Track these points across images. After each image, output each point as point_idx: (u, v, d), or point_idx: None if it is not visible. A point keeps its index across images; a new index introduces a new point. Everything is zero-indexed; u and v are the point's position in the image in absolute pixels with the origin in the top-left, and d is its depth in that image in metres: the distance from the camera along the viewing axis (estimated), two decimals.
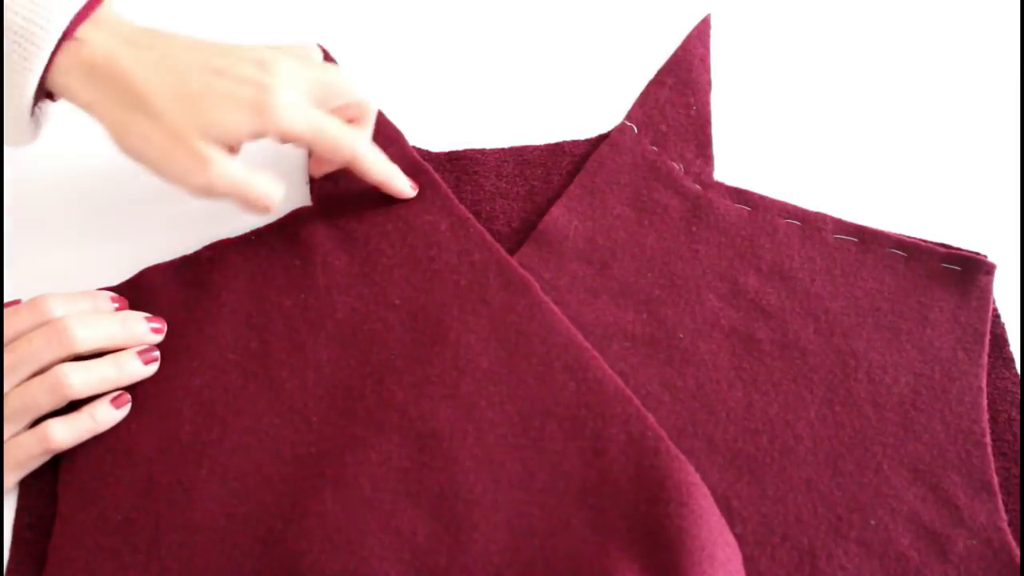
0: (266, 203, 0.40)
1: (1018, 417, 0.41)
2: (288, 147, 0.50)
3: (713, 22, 0.53)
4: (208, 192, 0.39)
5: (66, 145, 0.50)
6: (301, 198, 0.47)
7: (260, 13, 0.55)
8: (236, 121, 0.38)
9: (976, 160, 0.49)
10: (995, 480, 0.39)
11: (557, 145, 0.49)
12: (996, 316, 0.43)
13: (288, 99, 0.38)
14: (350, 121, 0.43)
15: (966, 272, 0.43)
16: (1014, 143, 0.50)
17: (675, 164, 0.47)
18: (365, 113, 0.43)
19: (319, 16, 0.55)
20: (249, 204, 0.40)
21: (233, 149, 0.40)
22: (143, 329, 0.41)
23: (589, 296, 0.43)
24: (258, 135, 0.39)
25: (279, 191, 0.41)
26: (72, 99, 0.39)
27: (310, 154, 0.47)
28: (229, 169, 0.38)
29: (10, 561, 0.38)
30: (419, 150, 0.48)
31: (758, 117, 0.51)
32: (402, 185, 0.45)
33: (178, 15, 0.55)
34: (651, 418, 0.39)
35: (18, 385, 0.38)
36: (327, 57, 0.52)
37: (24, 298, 0.41)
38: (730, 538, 0.37)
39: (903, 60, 0.53)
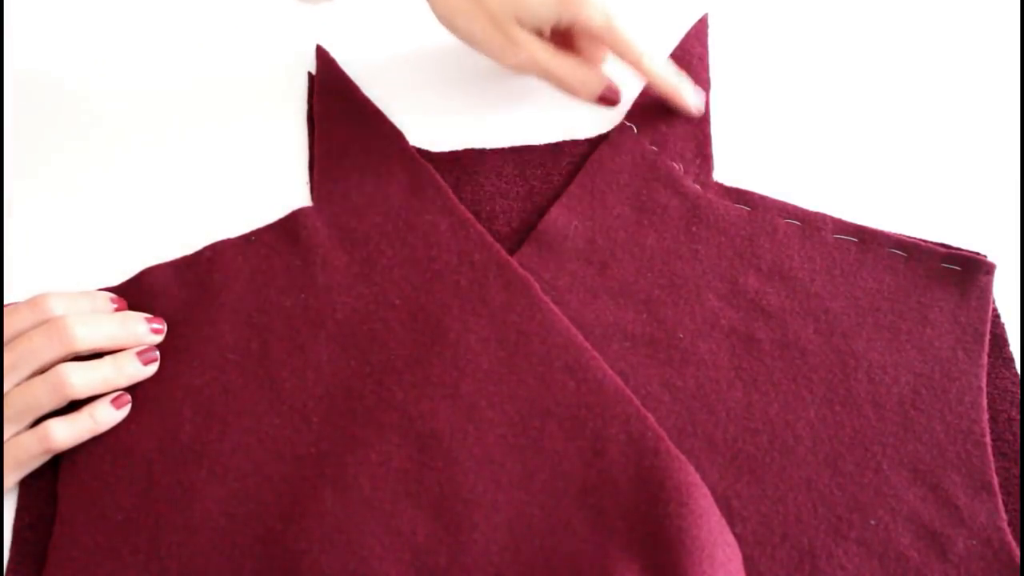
0: (576, 90, 0.46)
1: (1018, 417, 0.41)
2: (289, 148, 0.50)
3: (711, 22, 0.53)
4: (520, 71, 0.46)
5: (66, 145, 0.50)
6: (301, 198, 0.47)
7: (261, 12, 0.55)
8: (543, 7, 0.43)
9: (976, 160, 0.49)
10: (995, 480, 0.39)
11: (557, 145, 0.49)
12: (996, 316, 0.43)
13: None
14: None
15: (966, 272, 0.43)
16: (1014, 143, 0.50)
17: (675, 164, 0.47)
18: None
19: (320, 16, 0.55)
20: (562, 88, 0.46)
21: (543, 35, 0.46)
22: (143, 330, 0.42)
23: (589, 296, 0.43)
24: (558, 22, 0.44)
25: (594, 85, 0.46)
26: None
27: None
28: (538, 54, 0.45)
29: (10, 561, 0.38)
30: (419, 150, 0.48)
31: (757, 117, 0.51)
32: (689, 98, 0.48)
33: (177, 13, 0.55)
34: (651, 418, 0.39)
35: (19, 384, 0.38)
36: (325, 59, 0.52)
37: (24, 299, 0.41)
38: (730, 538, 0.37)
39: (903, 59, 0.53)
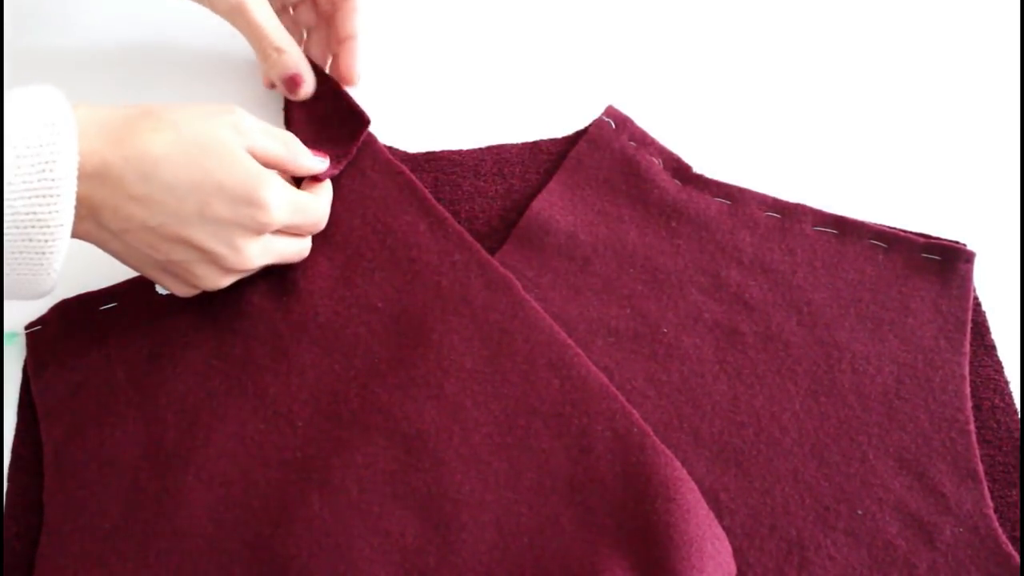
0: (269, 58, 0.48)
1: (1001, 404, 0.41)
2: None
3: (689, 17, 0.53)
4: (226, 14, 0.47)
5: None
6: None
7: None
8: None
9: (955, 149, 0.49)
10: (980, 468, 0.39)
11: (535, 143, 0.49)
12: (977, 304, 0.44)
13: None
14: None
15: (946, 261, 0.44)
16: (994, 132, 0.50)
17: (654, 159, 0.47)
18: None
19: None
20: (257, 48, 0.47)
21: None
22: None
23: (572, 293, 0.44)
24: None
25: (287, 61, 0.47)
26: None
27: None
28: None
29: None
30: (396, 151, 0.48)
31: (738, 109, 0.51)
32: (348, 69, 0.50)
33: (177, 15, 0.55)
34: (636, 414, 0.39)
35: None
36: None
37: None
38: (719, 531, 0.37)
39: (884, 51, 0.53)
